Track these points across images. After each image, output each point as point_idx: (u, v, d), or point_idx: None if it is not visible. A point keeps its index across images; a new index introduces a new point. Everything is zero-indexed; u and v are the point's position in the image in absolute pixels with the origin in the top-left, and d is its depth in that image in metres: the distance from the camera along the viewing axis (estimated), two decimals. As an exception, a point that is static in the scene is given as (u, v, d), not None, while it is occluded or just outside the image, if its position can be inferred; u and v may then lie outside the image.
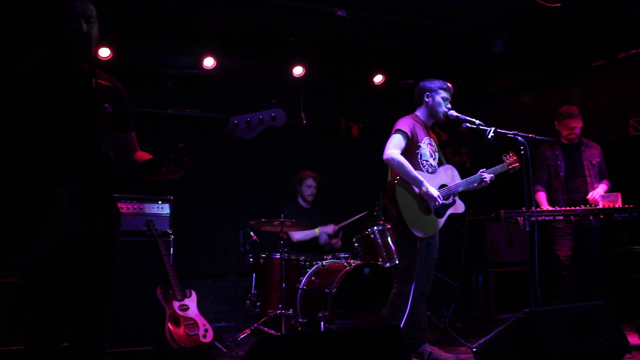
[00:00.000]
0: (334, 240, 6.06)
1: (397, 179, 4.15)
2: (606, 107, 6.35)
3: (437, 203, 4.14)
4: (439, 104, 4.34)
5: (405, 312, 4.08)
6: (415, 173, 4.11)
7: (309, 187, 6.01)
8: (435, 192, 4.13)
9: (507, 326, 3.17)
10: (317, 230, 5.90)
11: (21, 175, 2.40)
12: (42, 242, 2.33)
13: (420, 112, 4.44)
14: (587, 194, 5.10)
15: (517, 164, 4.56)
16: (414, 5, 5.60)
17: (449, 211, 4.32)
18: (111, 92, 2.62)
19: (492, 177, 4.44)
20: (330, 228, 5.98)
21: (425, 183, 4.11)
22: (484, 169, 4.46)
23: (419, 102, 4.45)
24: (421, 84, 4.44)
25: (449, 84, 4.40)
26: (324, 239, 6.06)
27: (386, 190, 4.24)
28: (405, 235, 4.15)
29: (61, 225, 2.36)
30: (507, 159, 4.57)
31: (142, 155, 2.72)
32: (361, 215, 6.02)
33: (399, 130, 4.21)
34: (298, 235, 5.87)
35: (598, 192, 5.02)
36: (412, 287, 4.10)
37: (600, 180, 5.19)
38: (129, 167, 2.62)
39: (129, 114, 2.70)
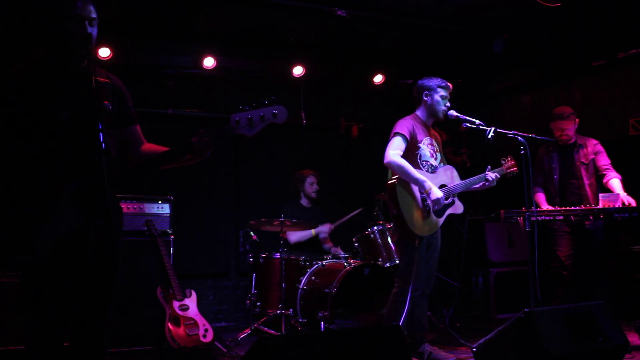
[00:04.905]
0: (333, 249, 6.01)
1: (397, 178, 4.15)
2: (606, 107, 6.34)
3: (440, 203, 4.14)
4: (438, 103, 4.33)
5: (404, 312, 4.08)
6: (417, 174, 4.11)
7: (311, 184, 6.01)
8: (438, 193, 4.12)
9: (507, 326, 3.17)
10: (313, 231, 5.86)
11: (24, 173, 2.40)
12: (44, 241, 2.33)
13: (420, 112, 4.43)
14: (583, 195, 5.04)
15: (515, 169, 4.53)
16: (414, 5, 5.60)
17: (448, 211, 4.32)
18: (110, 89, 2.62)
19: (497, 176, 4.40)
20: (326, 227, 5.95)
21: (428, 183, 4.11)
22: (489, 167, 4.45)
23: (418, 102, 4.44)
24: (419, 82, 4.42)
25: (447, 82, 4.39)
26: (328, 247, 6.02)
27: (387, 189, 4.25)
28: (404, 233, 4.15)
29: (62, 224, 2.35)
30: (505, 163, 4.54)
31: (151, 147, 2.70)
32: (356, 212, 6.00)
33: (397, 133, 4.21)
34: (294, 236, 5.83)
35: (621, 193, 4.75)
36: (410, 286, 4.10)
37: (603, 176, 5.00)
38: (137, 160, 2.61)
39: (130, 107, 2.70)
